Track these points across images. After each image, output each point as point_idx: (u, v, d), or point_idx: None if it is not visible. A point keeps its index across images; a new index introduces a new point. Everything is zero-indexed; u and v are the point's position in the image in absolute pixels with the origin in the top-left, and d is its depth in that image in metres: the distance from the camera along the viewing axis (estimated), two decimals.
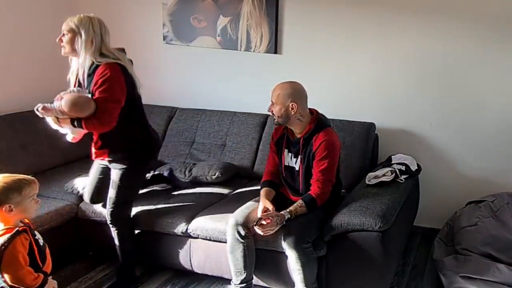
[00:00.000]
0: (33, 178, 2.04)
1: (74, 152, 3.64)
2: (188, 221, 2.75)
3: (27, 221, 2.06)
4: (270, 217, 2.40)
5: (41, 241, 2.04)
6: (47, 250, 2.08)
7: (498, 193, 3.01)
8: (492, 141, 3.20)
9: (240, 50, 3.58)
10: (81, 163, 3.56)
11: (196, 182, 3.21)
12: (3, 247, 1.86)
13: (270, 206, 2.51)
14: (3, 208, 1.90)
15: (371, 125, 3.24)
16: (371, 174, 2.87)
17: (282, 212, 2.45)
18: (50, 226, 2.75)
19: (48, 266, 2.04)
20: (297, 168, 2.63)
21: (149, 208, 2.85)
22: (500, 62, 3.10)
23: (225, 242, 2.58)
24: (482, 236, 2.70)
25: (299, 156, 2.60)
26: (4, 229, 1.93)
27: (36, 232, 2.06)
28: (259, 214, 2.48)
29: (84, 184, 2.96)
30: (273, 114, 2.58)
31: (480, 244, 2.67)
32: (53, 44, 3.86)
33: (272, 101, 2.57)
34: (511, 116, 3.15)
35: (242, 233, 2.48)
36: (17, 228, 1.92)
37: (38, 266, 1.96)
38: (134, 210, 2.82)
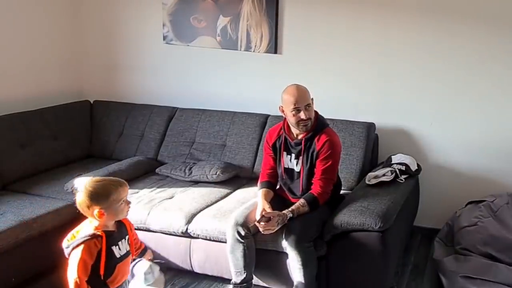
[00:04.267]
0: (121, 181, 1.97)
1: (74, 152, 3.65)
2: (188, 221, 2.75)
3: (127, 224, 2.04)
4: (272, 216, 2.40)
5: (119, 253, 1.94)
6: (125, 264, 1.98)
7: (498, 193, 3.01)
8: (492, 141, 3.20)
9: (240, 50, 3.58)
10: (81, 163, 3.57)
11: (196, 182, 3.21)
12: (72, 246, 1.85)
13: (268, 207, 2.50)
14: (94, 213, 1.87)
15: (371, 125, 3.24)
16: (371, 174, 2.87)
17: (284, 212, 2.45)
18: (50, 226, 2.75)
19: (114, 281, 1.93)
20: (297, 170, 2.63)
21: (149, 208, 2.86)
22: (500, 61, 3.10)
23: (225, 242, 2.58)
24: (482, 236, 2.69)
25: (300, 158, 2.60)
26: (91, 228, 1.91)
27: (123, 242, 1.97)
28: (257, 215, 2.48)
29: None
30: (307, 119, 2.51)
31: (480, 244, 2.67)
32: (53, 45, 3.88)
33: (305, 105, 2.49)
34: (511, 116, 3.15)
35: (242, 233, 2.48)
36: (94, 232, 1.88)
37: (99, 277, 1.88)
38: (133, 210, 2.82)
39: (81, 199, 1.87)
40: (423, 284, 2.85)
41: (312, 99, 2.56)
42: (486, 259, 2.61)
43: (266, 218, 2.40)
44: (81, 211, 1.90)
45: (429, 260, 3.06)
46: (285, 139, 2.64)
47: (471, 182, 3.26)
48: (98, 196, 1.87)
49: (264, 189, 2.66)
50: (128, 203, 1.97)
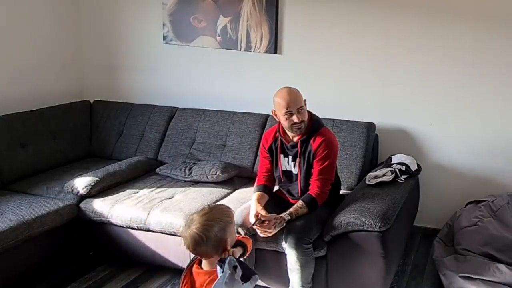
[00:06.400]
0: (224, 205, 1.80)
1: (74, 152, 3.66)
2: None
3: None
4: (268, 220, 2.39)
5: None
6: None
7: (498, 193, 3.01)
8: (491, 141, 3.20)
9: (240, 50, 3.58)
10: (81, 163, 3.57)
11: (196, 182, 3.21)
12: None
13: (260, 209, 2.48)
14: (227, 245, 1.66)
15: (371, 125, 3.24)
16: (371, 174, 2.86)
17: (282, 215, 2.44)
18: (51, 226, 2.75)
19: None
20: (295, 172, 2.62)
21: (149, 208, 2.85)
22: (500, 61, 3.10)
23: None
24: (482, 236, 2.69)
25: (297, 159, 2.59)
26: (211, 271, 1.67)
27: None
28: (251, 218, 2.47)
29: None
30: (300, 122, 2.49)
31: (480, 244, 2.67)
32: (53, 45, 3.88)
33: (298, 108, 2.47)
34: (511, 116, 3.15)
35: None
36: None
37: None
38: (134, 210, 2.83)
39: (209, 233, 1.61)
40: (423, 284, 2.85)
41: (304, 100, 2.53)
42: (486, 259, 2.61)
43: (260, 220, 2.39)
44: (201, 250, 1.64)
45: (429, 260, 3.06)
46: (281, 141, 2.63)
47: (471, 182, 3.27)
48: (225, 222, 1.66)
49: (258, 192, 2.63)
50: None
